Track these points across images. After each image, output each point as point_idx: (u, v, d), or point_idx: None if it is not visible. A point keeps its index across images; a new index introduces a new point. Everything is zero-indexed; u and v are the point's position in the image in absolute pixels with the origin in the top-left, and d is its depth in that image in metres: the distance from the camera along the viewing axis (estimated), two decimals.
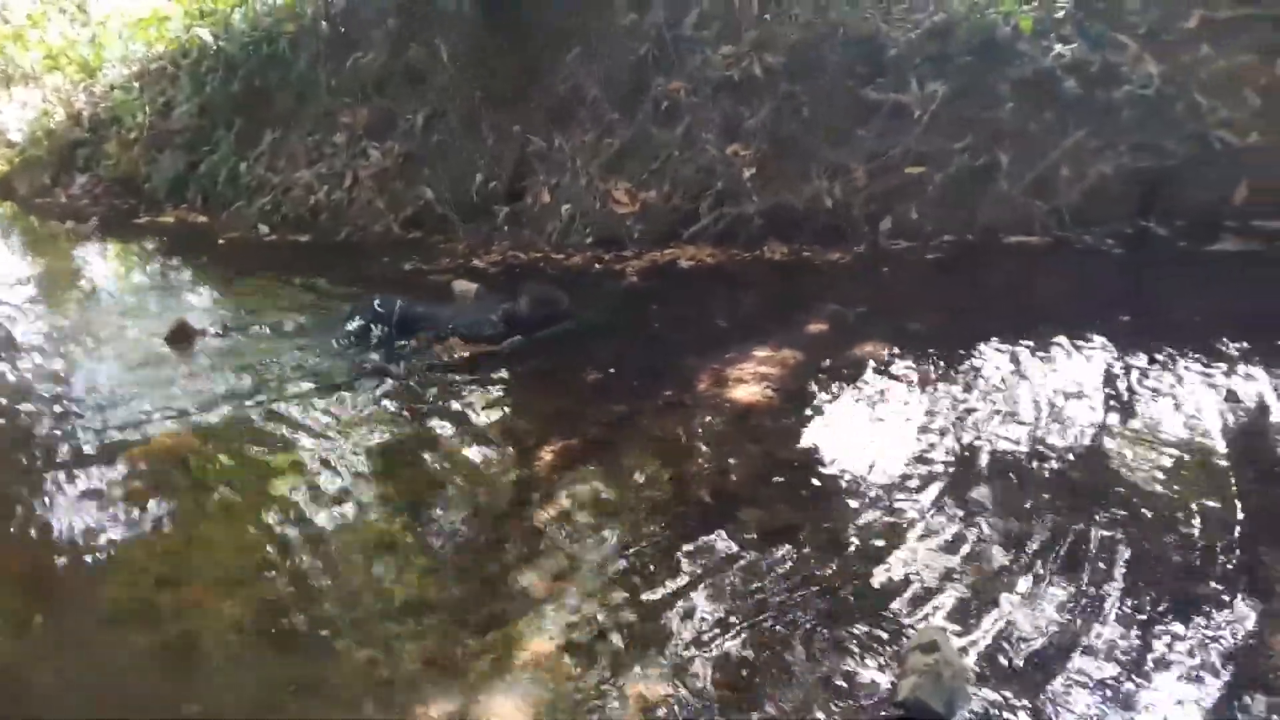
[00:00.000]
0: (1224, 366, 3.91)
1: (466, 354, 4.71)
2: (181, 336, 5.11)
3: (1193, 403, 3.67)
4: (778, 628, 2.64)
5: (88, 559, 3.24)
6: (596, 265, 5.85)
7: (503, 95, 6.65)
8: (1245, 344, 4.06)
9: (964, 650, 2.45)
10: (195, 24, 8.15)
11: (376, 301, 4.99)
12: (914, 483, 3.29)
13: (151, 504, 3.53)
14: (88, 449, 3.98)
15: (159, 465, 3.82)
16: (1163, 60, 5.78)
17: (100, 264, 7.19)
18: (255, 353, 4.88)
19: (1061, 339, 4.28)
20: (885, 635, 2.57)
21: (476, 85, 6.68)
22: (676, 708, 2.40)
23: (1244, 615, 2.52)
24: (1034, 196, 5.63)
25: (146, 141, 8.49)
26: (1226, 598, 2.59)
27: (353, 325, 4.96)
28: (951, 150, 5.77)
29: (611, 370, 4.43)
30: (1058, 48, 5.76)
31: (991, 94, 5.83)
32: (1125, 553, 2.83)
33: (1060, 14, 6.03)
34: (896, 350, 4.39)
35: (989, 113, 5.80)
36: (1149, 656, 2.41)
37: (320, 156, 7.20)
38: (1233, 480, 3.14)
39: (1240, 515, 2.95)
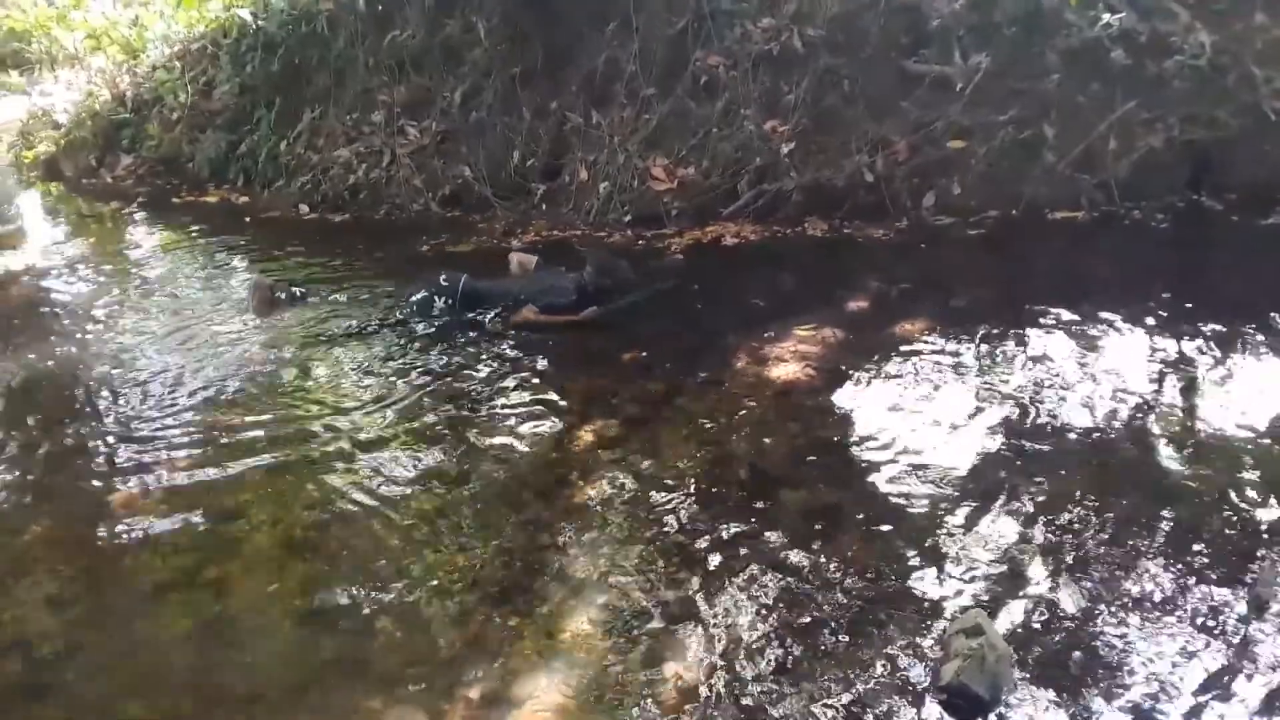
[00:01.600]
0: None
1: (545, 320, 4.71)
2: (265, 303, 5.27)
3: (1237, 381, 3.60)
4: (818, 610, 2.62)
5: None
6: (639, 243, 5.80)
7: (540, 72, 6.61)
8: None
9: (1004, 634, 2.41)
10: (235, 3, 8.16)
11: (443, 277, 4.98)
12: (957, 463, 3.25)
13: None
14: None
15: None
16: (1215, 29, 5.63)
17: (150, 243, 7.24)
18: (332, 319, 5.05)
19: (1108, 315, 4.22)
20: (926, 618, 2.54)
21: (513, 62, 6.64)
22: (716, 689, 2.40)
23: None
24: (1081, 170, 5.53)
25: (188, 121, 8.54)
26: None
27: (417, 298, 4.97)
28: (996, 123, 5.66)
29: (649, 350, 4.39)
30: (1105, 17, 5.61)
31: (1037, 65, 5.71)
32: (1169, 532, 2.78)
33: None
34: (939, 327, 4.34)
35: (1035, 84, 5.69)
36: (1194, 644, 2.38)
37: (359, 135, 7.21)
38: None
39: None
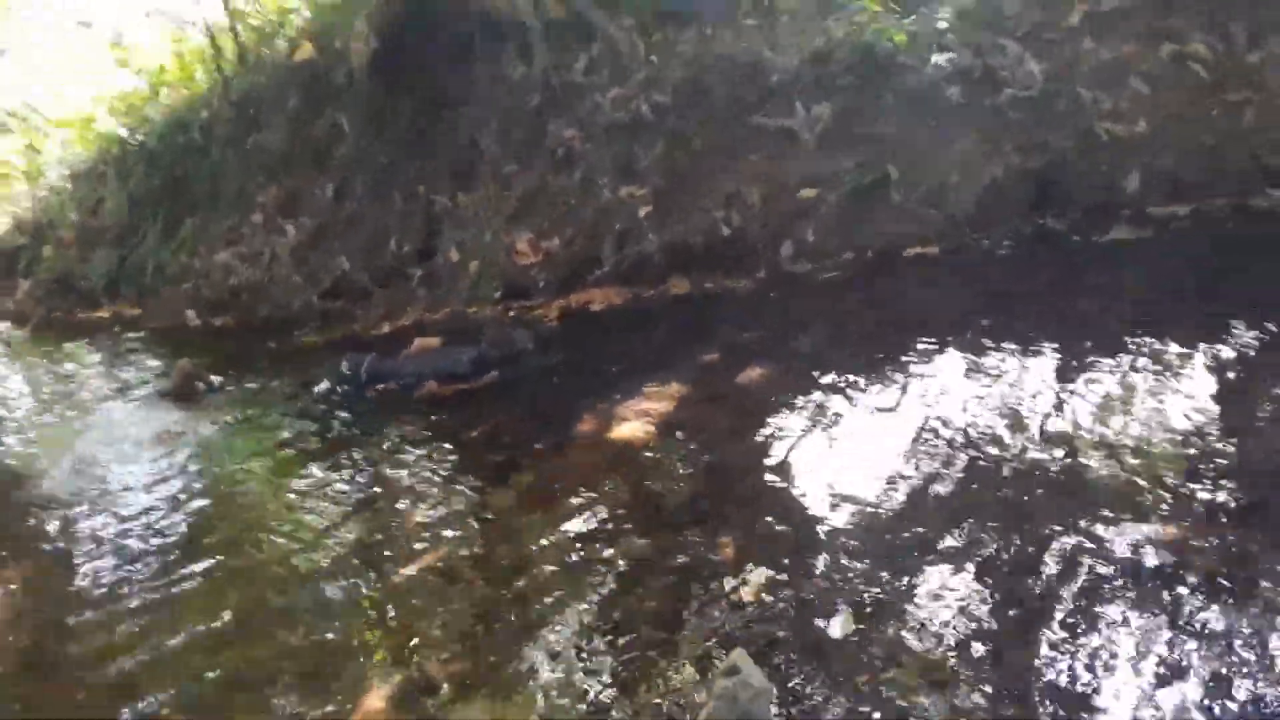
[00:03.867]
0: (1125, 357, 3.86)
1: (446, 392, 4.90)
2: (187, 387, 5.54)
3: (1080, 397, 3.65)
4: (597, 658, 2.62)
5: None
6: (509, 316, 5.86)
7: (406, 158, 6.72)
8: (1139, 331, 4.03)
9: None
10: (117, 121, 8.27)
11: (344, 364, 5.22)
12: (775, 502, 3.27)
13: None
14: None
15: None
16: (1045, 58, 5.83)
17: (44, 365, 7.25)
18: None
19: (951, 344, 4.27)
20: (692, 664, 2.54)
21: (379, 152, 6.75)
22: None
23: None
24: (928, 206, 5.65)
25: (80, 240, 8.59)
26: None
27: (321, 388, 5.20)
28: (843, 169, 5.80)
29: (498, 425, 4.42)
30: (937, 57, 5.80)
31: (877, 109, 5.88)
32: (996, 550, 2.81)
33: (942, 23, 6.09)
34: (778, 373, 4.39)
35: (876, 128, 5.84)
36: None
37: (239, 238, 7.27)
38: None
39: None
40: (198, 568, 3.60)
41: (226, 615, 3.27)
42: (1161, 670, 2.23)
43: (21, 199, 10.08)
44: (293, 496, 4.06)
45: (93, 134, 8.88)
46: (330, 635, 3.06)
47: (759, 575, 2.80)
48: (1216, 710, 2.10)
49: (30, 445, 5.41)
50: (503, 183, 6.30)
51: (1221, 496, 2.81)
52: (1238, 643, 2.26)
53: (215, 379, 5.71)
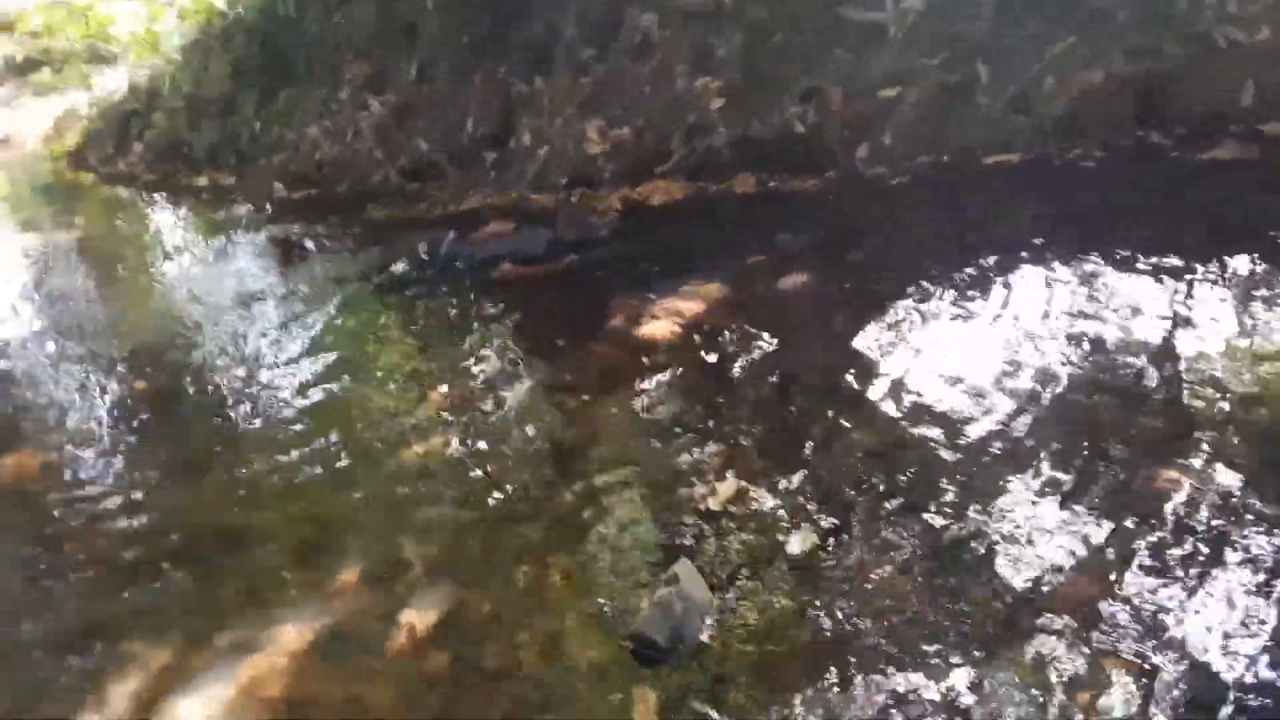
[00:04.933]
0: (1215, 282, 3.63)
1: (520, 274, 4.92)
2: (282, 252, 5.87)
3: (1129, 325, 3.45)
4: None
5: None
6: (570, 204, 5.82)
7: (488, 39, 6.63)
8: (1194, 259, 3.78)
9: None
10: None
11: (423, 245, 5.34)
12: (777, 412, 3.21)
13: None
14: None
15: None
16: None
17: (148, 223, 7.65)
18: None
19: (1010, 260, 4.06)
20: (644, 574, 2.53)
21: (463, 31, 6.68)
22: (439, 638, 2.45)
23: None
24: (1016, 112, 5.30)
25: (188, 109, 8.84)
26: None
27: (399, 267, 5.27)
28: (928, 68, 5.46)
29: (529, 315, 4.42)
30: None
31: (971, 5, 5.48)
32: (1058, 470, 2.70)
33: None
34: (825, 279, 4.25)
35: (969, 25, 5.46)
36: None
37: (327, 112, 7.36)
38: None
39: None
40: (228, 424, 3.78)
41: (242, 473, 3.42)
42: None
43: (139, 67, 10.43)
44: (356, 367, 4.15)
45: (203, 5, 9.07)
46: (329, 507, 3.16)
47: (729, 486, 2.75)
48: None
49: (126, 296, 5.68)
50: (578, 69, 6.17)
51: None
52: None
53: (309, 244, 5.88)
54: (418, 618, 2.55)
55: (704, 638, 2.25)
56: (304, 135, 7.38)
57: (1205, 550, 2.29)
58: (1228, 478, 2.53)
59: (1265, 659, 1.97)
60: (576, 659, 2.30)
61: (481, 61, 6.69)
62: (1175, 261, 3.80)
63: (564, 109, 6.12)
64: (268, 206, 7.05)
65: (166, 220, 7.66)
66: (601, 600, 2.45)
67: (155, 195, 8.36)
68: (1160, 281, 3.69)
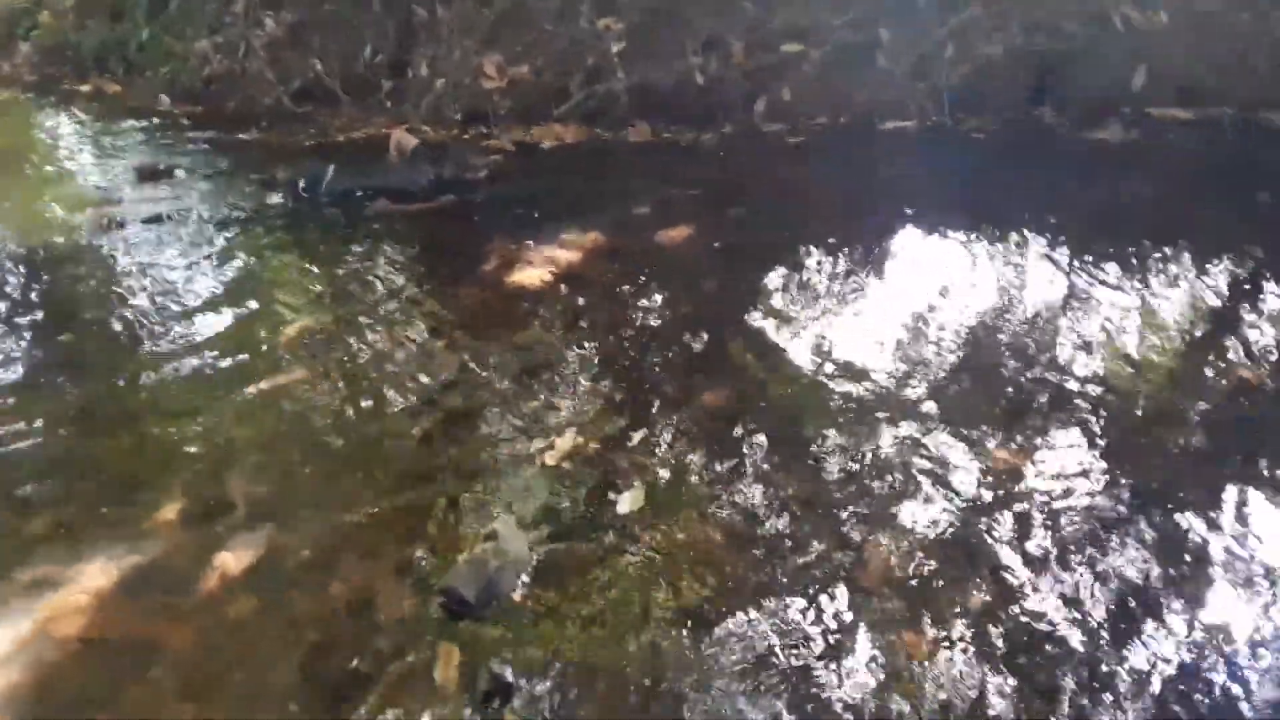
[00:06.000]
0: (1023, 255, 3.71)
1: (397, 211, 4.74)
2: (147, 173, 5.50)
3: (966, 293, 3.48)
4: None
5: None
6: (463, 140, 5.65)
7: None
8: (1056, 236, 3.84)
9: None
10: None
11: (302, 178, 5.07)
12: (630, 365, 3.15)
13: None
14: None
15: None
16: None
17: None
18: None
19: (888, 230, 4.07)
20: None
21: None
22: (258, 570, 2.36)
23: None
24: (915, 79, 5.28)
25: (77, 10, 8.36)
26: None
27: (275, 199, 5.03)
28: (832, 25, 5.40)
29: (404, 252, 4.28)
30: None
31: None
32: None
33: None
34: (703, 232, 4.20)
35: None
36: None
37: (219, 25, 7.01)
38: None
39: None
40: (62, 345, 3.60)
41: (73, 399, 3.26)
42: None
43: None
44: (211, 299, 3.95)
45: None
46: (162, 440, 3.03)
47: (567, 440, 2.70)
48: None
49: None
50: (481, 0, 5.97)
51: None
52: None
53: (179, 171, 5.56)
54: (232, 560, 2.46)
55: (516, 596, 2.19)
56: (193, 49, 7.03)
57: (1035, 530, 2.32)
58: (1064, 459, 2.57)
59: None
60: (386, 610, 2.24)
61: None
62: (1046, 240, 3.84)
63: (463, 41, 5.92)
64: (152, 120, 6.69)
65: (43, 127, 7.20)
66: (420, 553, 2.38)
67: (39, 99, 7.88)
68: (1029, 259, 3.73)
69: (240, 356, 3.46)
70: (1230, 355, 3.04)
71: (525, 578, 2.23)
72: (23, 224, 4.89)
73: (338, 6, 6.52)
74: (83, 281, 4.19)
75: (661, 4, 5.61)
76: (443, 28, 6.04)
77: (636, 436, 2.73)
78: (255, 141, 6.06)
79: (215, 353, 3.48)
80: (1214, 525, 2.30)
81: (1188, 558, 2.22)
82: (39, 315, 3.91)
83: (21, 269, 4.32)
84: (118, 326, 3.75)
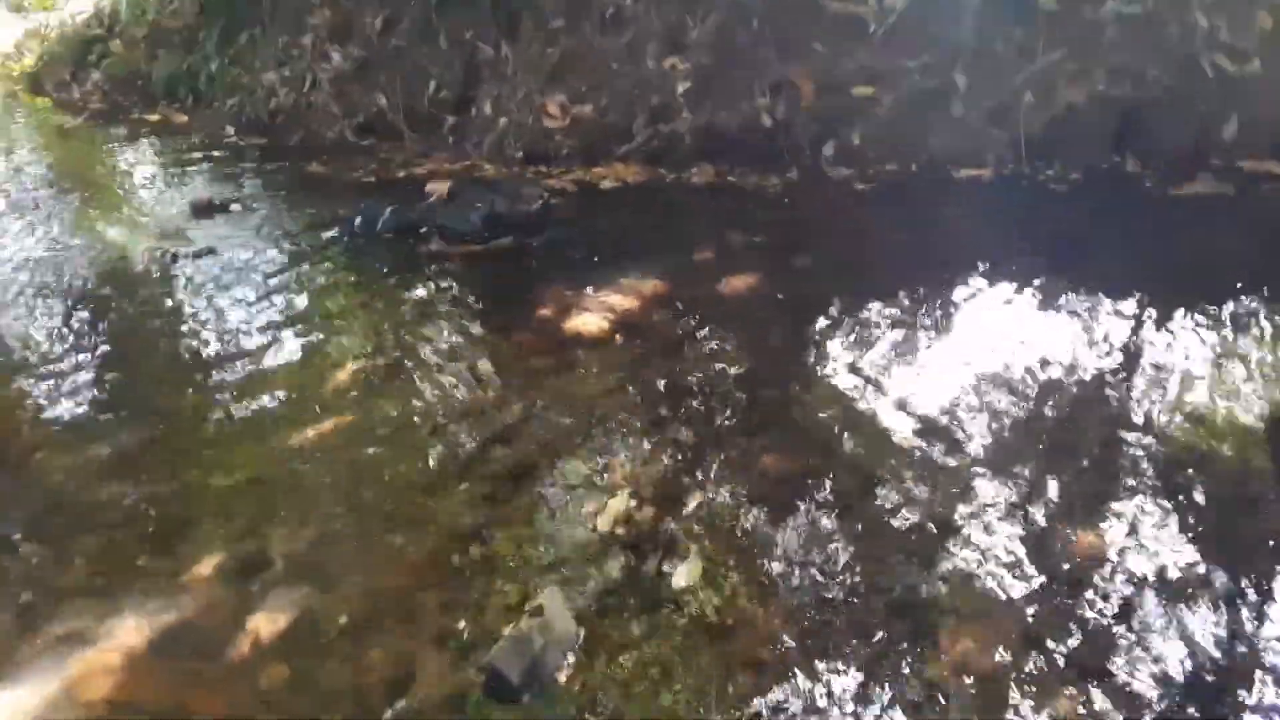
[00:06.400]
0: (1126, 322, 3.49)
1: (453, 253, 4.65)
2: (203, 207, 5.52)
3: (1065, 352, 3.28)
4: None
5: None
6: (525, 178, 5.58)
7: None
8: (1142, 293, 3.62)
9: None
10: None
11: (359, 216, 5.01)
12: (686, 424, 3.00)
13: None
14: None
15: None
16: None
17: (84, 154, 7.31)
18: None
19: (961, 284, 3.88)
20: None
21: None
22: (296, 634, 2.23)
23: None
24: (992, 125, 5.10)
25: (149, 40, 8.51)
26: None
27: (330, 234, 4.99)
28: (906, 69, 5.24)
29: (456, 298, 4.19)
30: None
31: (956, 8, 5.26)
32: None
33: None
34: (770, 284, 4.05)
35: (952, 29, 5.24)
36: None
37: (287, 58, 7.06)
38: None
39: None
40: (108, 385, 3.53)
41: (119, 445, 3.18)
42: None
43: None
44: (243, 336, 3.90)
45: None
46: (205, 489, 2.93)
47: (620, 501, 2.54)
48: None
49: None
50: (547, 39, 5.91)
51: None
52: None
53: (234, 205, 5.59)
54: (265, 623, 2.33)
55: (561, 677, 2.04)
56: (261, 80, 7.08)
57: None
58: (1153, 541, 2.35)
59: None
60: (424, 687, 2.09)
61: (448, 21, 6.41)
62: (1132, 299, 3.62)
63: (527, 80, 5.86)
64: (216, 151, 6.74)
65: (107, 155, 7.30)
66: (462, 622, 2.23)
67: (107, 127, 8.02)
68: (1115, 318, 3.51)
69: (288, 400, 3.37)
70: None
71: (571, 656, 2.06)
72: (77, 256, 4.89)
73: (404, 43, 6.52)
74: (132, 318, 4.14)
75: (730, 44, 5.48)
76: (507, 66, 6.00)
77: (693, 502, 2.57)
78: (316, 175, 6.05)
79: (264, 396, 3.39)
80: None
81: None
82: (86, 354, 3.84)
83: (72, 303, 4.29)
84: (165, 366, 3.69)
